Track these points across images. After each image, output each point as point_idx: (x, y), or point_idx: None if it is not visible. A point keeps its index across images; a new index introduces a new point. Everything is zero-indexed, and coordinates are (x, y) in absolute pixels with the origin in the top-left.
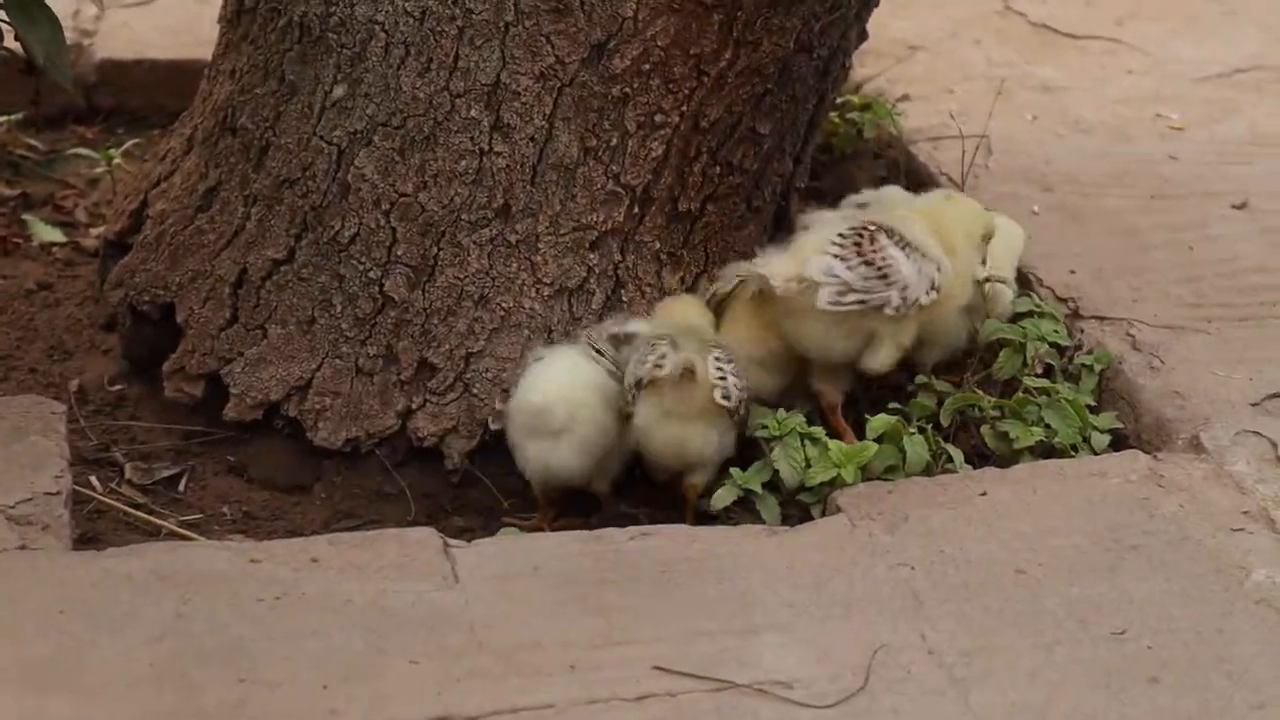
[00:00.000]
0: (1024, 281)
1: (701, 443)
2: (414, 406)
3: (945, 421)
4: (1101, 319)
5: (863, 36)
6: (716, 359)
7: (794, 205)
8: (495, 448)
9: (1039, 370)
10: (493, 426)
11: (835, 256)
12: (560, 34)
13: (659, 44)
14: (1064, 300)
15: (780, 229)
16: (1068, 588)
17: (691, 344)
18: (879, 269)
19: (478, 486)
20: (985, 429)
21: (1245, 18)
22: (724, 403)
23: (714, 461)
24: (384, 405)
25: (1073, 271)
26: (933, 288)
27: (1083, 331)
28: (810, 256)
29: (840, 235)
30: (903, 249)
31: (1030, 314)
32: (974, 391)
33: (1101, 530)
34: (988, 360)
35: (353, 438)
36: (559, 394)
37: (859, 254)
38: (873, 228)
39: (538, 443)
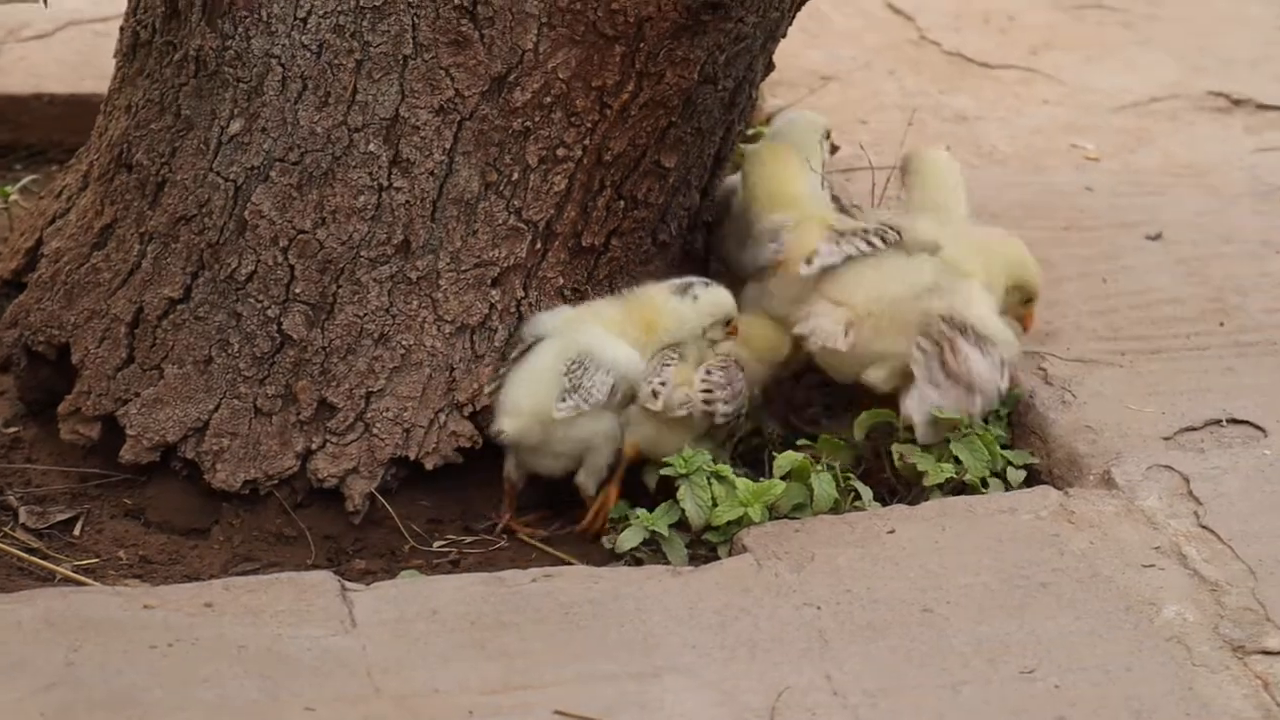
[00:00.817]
0: None
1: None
2: (314, 447)
3: (859, 436)
4: None
5: (769, 68)
6: (706, 375)
7: (700, 239)
8: (399, 487)
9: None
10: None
11: (925, 380)
12: (460, 67)
13: (560, 76)
14: None
15: (687, 264)
16: (975, 626)
17: (694, 353)
18: (965, 382)
19: (381, 527)
20: (896, 452)
21: (1160, 47)
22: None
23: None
24: (283, 446)
25: None
26: (1003, 374)
27: None
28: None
29: (920, 348)
30: (979, 346)
31: None
32: (888, 411)
33: (1010, 568)
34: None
35: (251, 479)
36: (532, 412)
37: (944, 369)
38: (948, 329)
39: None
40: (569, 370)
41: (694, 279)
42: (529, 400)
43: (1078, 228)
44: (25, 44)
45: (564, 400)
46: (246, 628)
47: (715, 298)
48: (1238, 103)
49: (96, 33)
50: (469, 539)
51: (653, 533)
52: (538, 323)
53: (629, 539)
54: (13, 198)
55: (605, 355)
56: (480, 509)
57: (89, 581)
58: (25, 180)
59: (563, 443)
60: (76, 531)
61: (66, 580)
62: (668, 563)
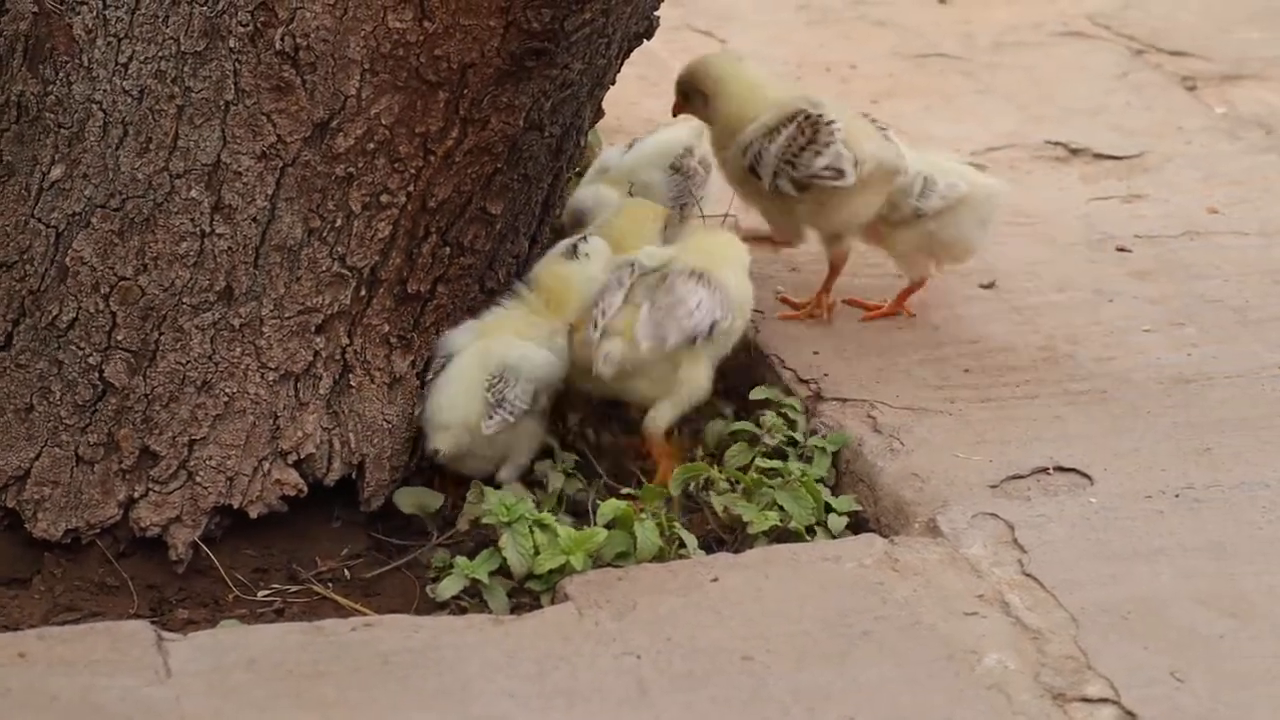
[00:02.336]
0: (767, 364)
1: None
2: (136, 495)
3: (675, 492)
4: (843, 400)
5: (599, 114)
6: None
7: None
8: (223, 536)
9: (769, 450)
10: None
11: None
12: (282, 113)
13: (383, 122)
14: (806, 382)
15: None
16: (796, 674)
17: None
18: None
19: (206, 576)
20: (719, 503)
21: (999, 96)
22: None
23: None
24: (105, 494)
25: (816, 352)
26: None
27: (820, 415)
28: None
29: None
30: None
31: (770, 403)
32: (704, 464)
33: (833, 616)
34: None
35: (73, 528)
36: (462, 425)
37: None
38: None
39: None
40: (490, 385)
41: (570, 240)
42: (455, 415)
43: None
44: None
45: (491, 416)
46: (60, 678)
47: (600, 245)
48: (1075, 152)
49: None
50: (294, 588)
51: (473, 580)
52: (448, 340)
53: (449, 587)
54: None
55: (523, 365)
56: (306, 557)
57: None
58: None
59: (489, 448)
60: None
61: None
62: (490, 611)
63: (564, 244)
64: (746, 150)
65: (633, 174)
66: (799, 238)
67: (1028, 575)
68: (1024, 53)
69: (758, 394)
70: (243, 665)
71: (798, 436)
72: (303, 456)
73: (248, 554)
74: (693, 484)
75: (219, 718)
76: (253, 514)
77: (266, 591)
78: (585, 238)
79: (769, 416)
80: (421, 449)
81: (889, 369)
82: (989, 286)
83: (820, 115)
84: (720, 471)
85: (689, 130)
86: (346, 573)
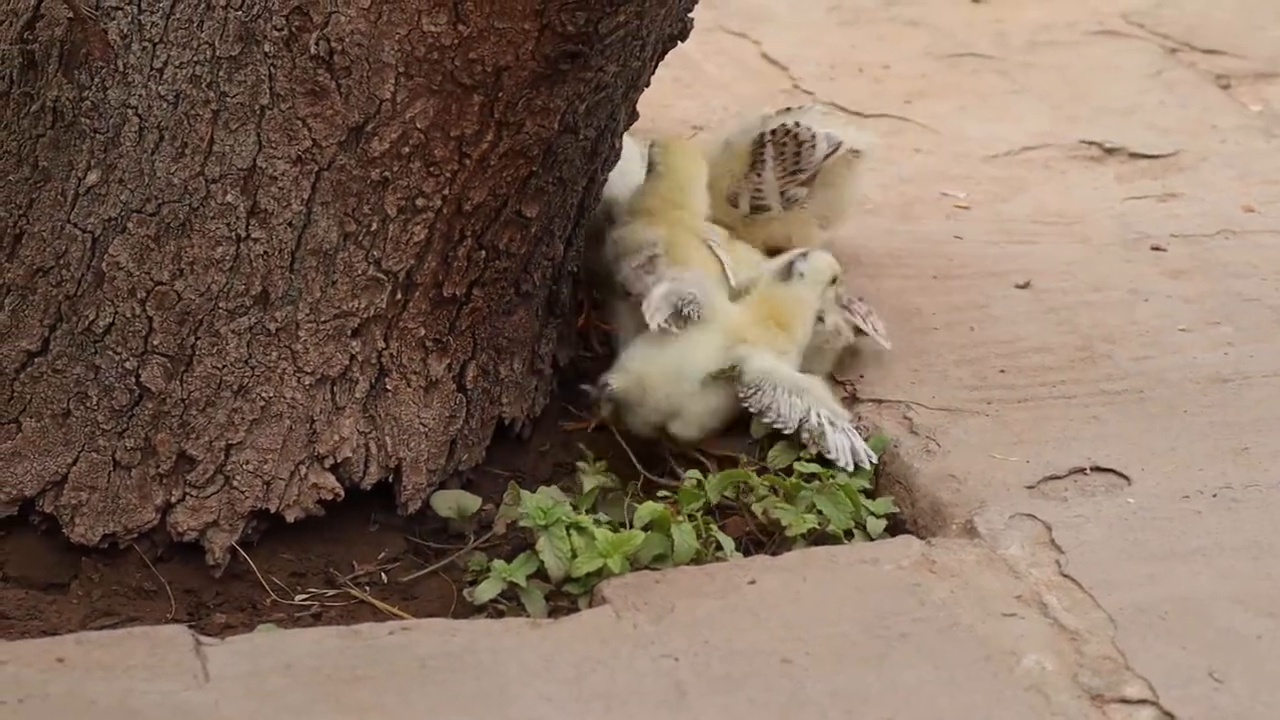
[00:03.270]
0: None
1: None
2: (173, 500)
3: (714, 499)
4: (879, 402)
5: (633, 117)
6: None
7: (566, 289)
8: (260, 540)
9: (812, 454)
10: None
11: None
12: (317, 117)
13: (418, 126)
14: (842, 383)
15: (552, 314)
16: (834, 677)
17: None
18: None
19: (243, 580)
20: (757, 508)
21: (1033, 96)
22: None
23: None
24: (143, 499)
25: (853, 354)
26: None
27: (860, 415)
28: None
29: None
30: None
31: None
32: (744, 471)
33: (871, 618)
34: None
35: (111, 533)
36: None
37: None
38: None
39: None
40: (748, 396)
41: (789, 256)
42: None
43: (946, 276)
44: None
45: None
46: (98, 683)
47: (817, 263)
48: (1110, 151)
49: None
50: (331, 592)
51: (510, 584)
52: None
53: (486, 591)
54: None
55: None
56: (343, 561)
57: None
58: None
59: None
60: None
61: None
62: (528, 614)
63: (779, 265)
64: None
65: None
66: None
67: (1065, 576)
68: (1058, 52)
69: None
70: (280, 670)
71: None
72: (339, 460)
73: (285, 558)
74: (731, 488)
75: None
76: (290, 518)
77: (304, 596)
78: (802, 253)
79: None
80: (457, 452)
81: (924, 370)
82: (1024, 286)
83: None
84: (760, 477)
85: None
86: (384, 576)
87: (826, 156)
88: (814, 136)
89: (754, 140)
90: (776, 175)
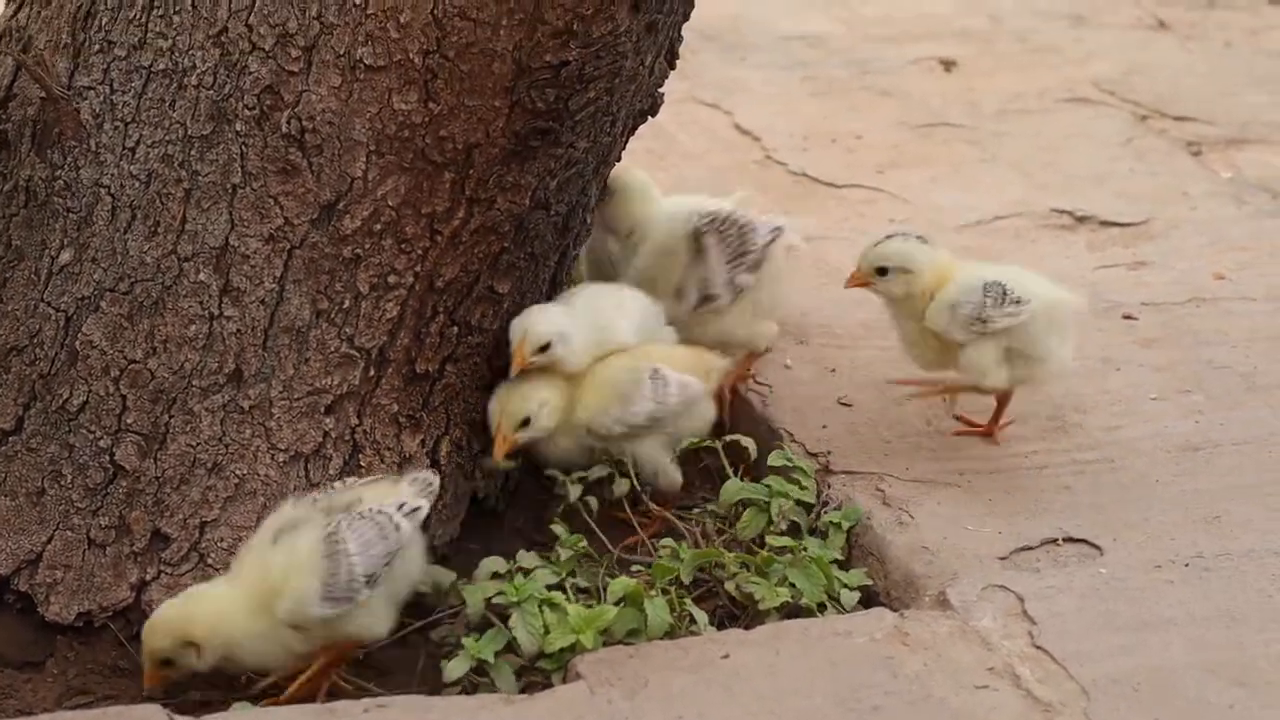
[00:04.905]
0: (775, 436)
1: None
2: (148, 578)
3: (686, 579)
4: (852, 474)
5: (604, 191)
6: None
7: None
8: None
9: (783, 528)
10: None
11: None
12: (289, 195)
13: (390, 203)
14: (815, 455)
15: None
16: None
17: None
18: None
19: None
20: (730, 585)
21: (1005, 164)
22: None
23: None
24: (117, 577)
25: (825, 426)
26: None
27: (830, 487)
28: None
29: None
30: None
31: (779, 469)
32: (716, 549)
33: (844, 691)
34: (731, 519)
35: (85, 611)
36: None
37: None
38: None
39: None
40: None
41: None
42: None
43: None
44: None
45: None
46: None
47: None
48: (1081, 219)
49: None
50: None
51: (480, 661)
52: None
53: (456, 669)
54: None
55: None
56: None
57: None
58: None
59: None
60: None
61: None
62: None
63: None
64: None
65: (670, 219)
66: None
67: (1038, 647)
68: (1029, 120)
69: (775, 460)
70: None
71: (809, 499)
72: None
73: None
74: (703, 565)
75: None
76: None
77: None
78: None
79: (778, 484)
80: (432, 528)
81: (897, 441)
82: None
83: None
84: (731, 555)
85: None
86: (359, 653)
87: (769, 242)
88: (753, 222)
89: (691, 232)
90: (723, 261)
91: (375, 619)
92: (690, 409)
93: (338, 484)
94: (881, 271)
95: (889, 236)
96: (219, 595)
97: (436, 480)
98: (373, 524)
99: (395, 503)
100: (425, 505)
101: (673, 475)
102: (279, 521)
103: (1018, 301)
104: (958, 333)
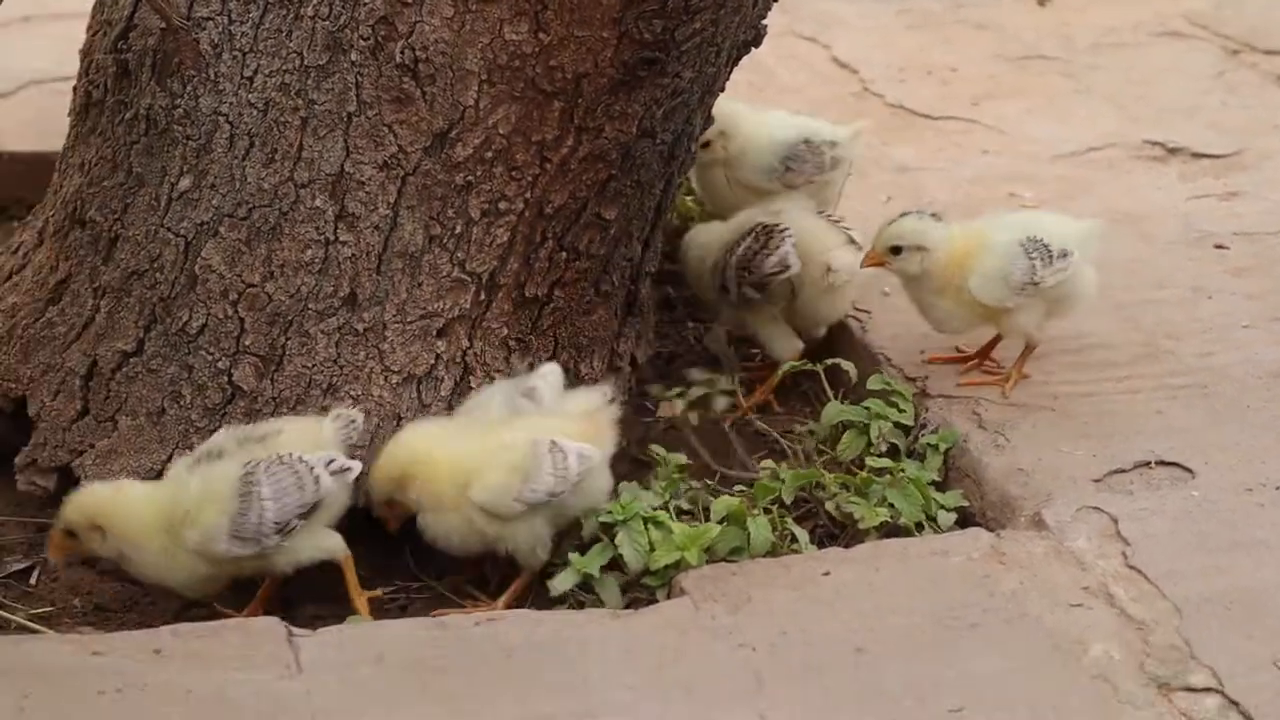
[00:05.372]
0: (874, 361)
1: None
2: None
3: (787, 499)
4: (948, 398)
5: (708, 121)
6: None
7: (644, 289)
8: (347, 534)
9: (883, 450)
10: None
11: None
12: (402, 123)
13: (501, 131)
14: (912, 380)
15: (631, 313)
16: (907, 666)
17: None
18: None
19: (330, 573)
20: (830, 505)
21: (1098, 97)
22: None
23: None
24: None
25: (922, 351)
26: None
27: (928, 410)
28: None
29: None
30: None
31: (878, 393)
32: (816, 469)
33: (942, 609)
34: (831, 441)
35: None
36: None
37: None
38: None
39: None
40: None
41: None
42: None
43: None
44: None
45: None
46: (194, 673)
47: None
48: (1173, 151)
49: (56, 92)
50: (416, 584)
51: (586, 576)
52: None
53: (563, 582)
54: None
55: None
56: (427, 554)
57: (43, 629)
58: None
59: None
60: (33, 580)
61: (20, 629)
62: (605, 604)
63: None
64: (714, 270)
65: (767, 126)
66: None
67: (1132, 567)
68: (1122, 53)
69: (874, 383)
70: (370, 660)
71: (908, 422)
72: None
73: (373, 551)
74: (803, 486)
75: (349, 711)
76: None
77: (390, 589)
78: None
79: (877, 407)
80: None
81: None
82: None
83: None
84: (831, 476)
85: (848, 131)
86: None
87: (771, 273)
88: (778, 249)
89: (750, 226)
90: (735, 268)
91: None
92: (586, 480)
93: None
94: (895, 250)
95: (903, 215)
96: (139, 497)
97: (360, 417)
98: (291, 472)
99: (324, 458)
100: (356, 468)
101: (545, 552)
102: (208, 445)
103: (1064, 255)
104: (1010, 300)
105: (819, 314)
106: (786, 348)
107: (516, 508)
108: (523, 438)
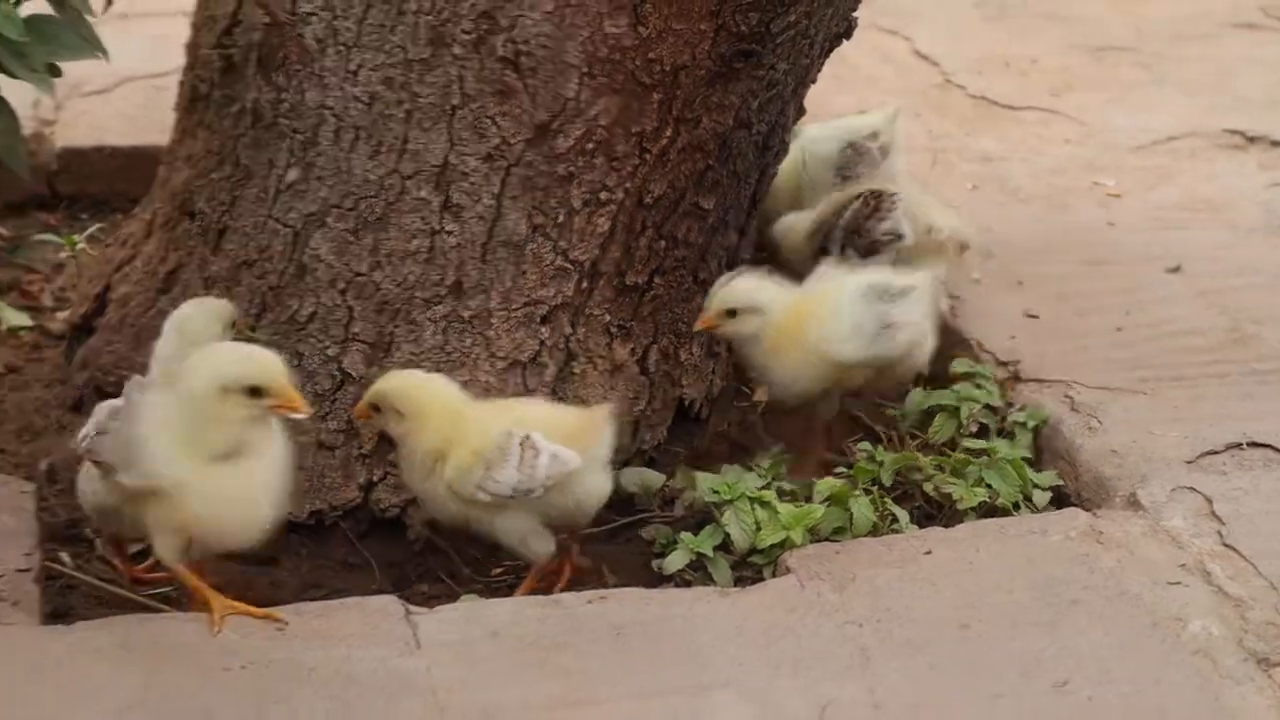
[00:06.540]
0: (965, 346)
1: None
2: (375, 479)
3: (886, 482)
4: (1041, 381)
5: (801, 112)
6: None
7: None
8: None
9: (973, 431)
10: None
11: None
12: (505, 115)
13: (601, 123)
14: (1005, 364)
15: None
16: (1010, 642)
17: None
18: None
19: (440, 554)
20: (928, 486)
21: (1176, 87)
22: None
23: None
24: (346, 478)
25: (1013, 336)
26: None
27: (1020, 394)
28: None
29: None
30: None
31: (965, 375)
32: (912, 452)
33: (1042, 586)
34: (923, 425)
35: (317, 510)
36: None
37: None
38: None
39: None
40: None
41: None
42: None
43: (1100, 262)
44: (86, 99)
45: None
46: (316, 650)
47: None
48: (1252, 140)
49: (154, 87)
50: (523, 564)
51: (698, 555)
52: None
53: (675, 561)
54: (79, 246)
55: None
56: None
57: (165, 608)
58: (91, 229)
59: None
60: (151, 562)
61: (142, 608)
62: (714, 584)
63: None
64: (816, 231)
65: (813, 143)
66: None
67: (1227, 546)
68: (1197, 45)
69: (959, 366)
70: (487, 637)
71: (995, 403)
72: None
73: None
74: (899, 468)
75: (469, 686)
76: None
77: (499, 569)
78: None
79: (965, 390)
80: (641, 432)
81: (1082, 351)
82: (1175, 271)
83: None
84: (927, 458)
85: (882, 117)
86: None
87: (883, 239)
88: (891, 213)
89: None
90: (843, 229)
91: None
92: (566, 484)
93: None
94: (731, 313)
95: (734, 277)
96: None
97: None
98: None
99: None
100: None
101: (540, 545)
102: None
103: (906, 292)
104: (864, 351)
105: None
106: None
107: (480, 495)
108: (504, 423)
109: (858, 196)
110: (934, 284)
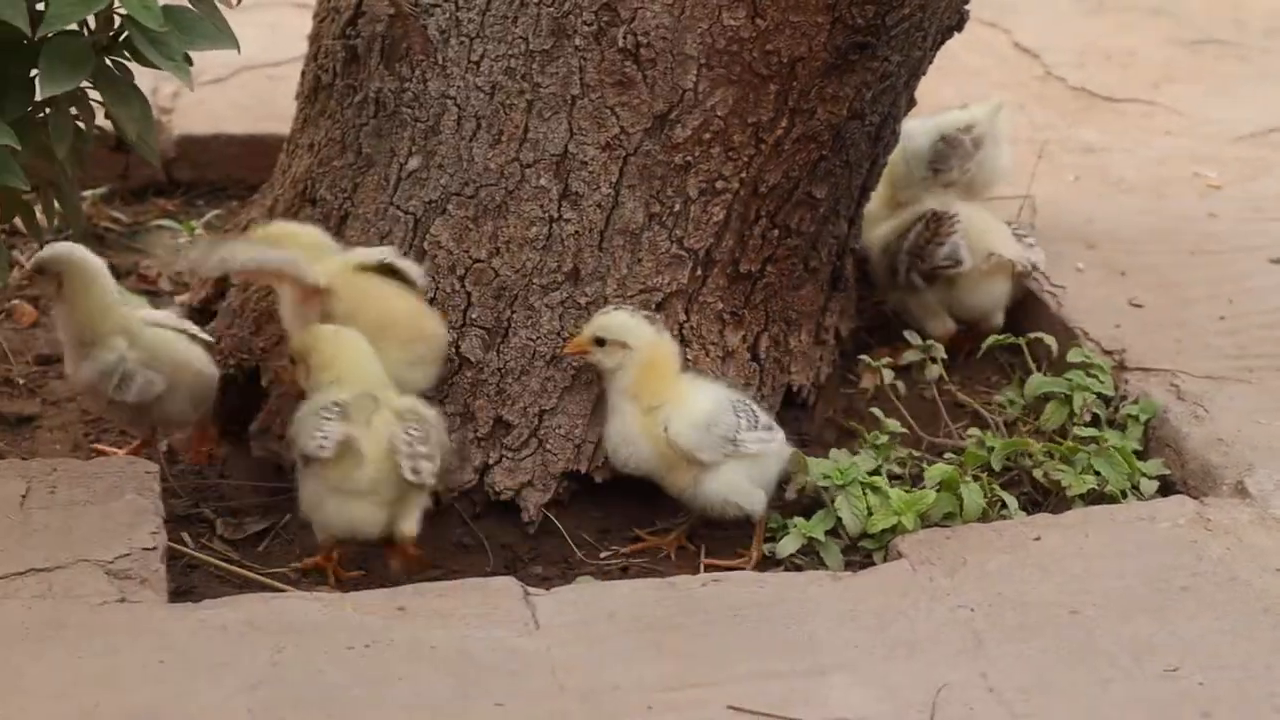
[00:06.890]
0: (1071, 335)
1: (370, 520)
2: (491, 462)
3: (996, 467)
4: (1146, 370)
5: (911, 103)
6: (408, 433)
7: (848, 265)
8: (569, 500)
9: (1086, 419)
10: None
11: None
12: (624, 106)
13: (718, 114)
14: (1110, 353)
15: (836, 288)
16: (1121, 627)
17: (365, 410)
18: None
19: (553, 537)
20: (1037, 472)
21: (1275, 80)
22: (413, 478)
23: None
24: (463, 461)
25: (1118, 325)
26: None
27: (1128, 382)
28: None
29: None
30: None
31: (1078, 365)
32: (1022, 438)
33: (1152, 572)
34: (1036, 411)
35: (434, 492)
36: None
37: None
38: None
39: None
40: None
41: None
42: None
43: (1203, 252)
44: (204, 88)
45: None
46: (437, 630)
47: None
48: None
49: (269, 77)
50: (635, 548)
51: (810, 539)
52: None
53: (788, 545)
54: (197, 232)
55: None
56: (645, 519)
57: (287, 588)
58: (209, 215)
59: None
60: (270, 542)
61: (266, 587)
62: (825, 568)
63: None
64: (884, 251)
65: (907, 137)
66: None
67: None
68: None
69: (1073, 356)
70: (604, 618)
71: (1108, 393)
72: None
73: (593, 516)
74: (1009, 454)
75: (588, 666)
76: (598, 479)
77: (608, 553)
78: None
79: (1078, 379)
80: None
81: (1187, 340)
82: (1277, 261)
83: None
84: (1038, 445)
85: (984, 110)
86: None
87: (941, 266)
88: (950, 238)
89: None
90: (907, 251)
91: None
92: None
93: None
94: (599, 342)
95: (617, 308)
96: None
97: None
98: None
99: None
100: None
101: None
102: None
103: (770, 427)
104: (706, 452)
105: (975, 303)
106: (938, 326)
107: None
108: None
109: (920, 218)
110: None
